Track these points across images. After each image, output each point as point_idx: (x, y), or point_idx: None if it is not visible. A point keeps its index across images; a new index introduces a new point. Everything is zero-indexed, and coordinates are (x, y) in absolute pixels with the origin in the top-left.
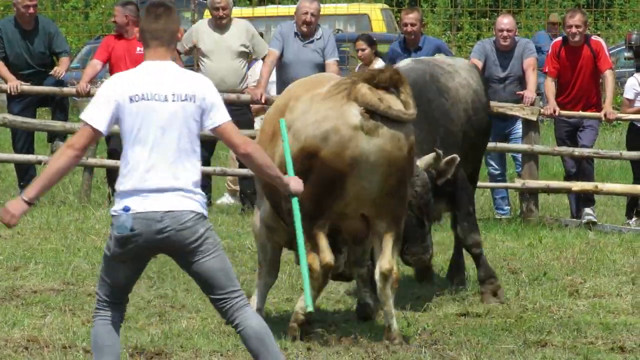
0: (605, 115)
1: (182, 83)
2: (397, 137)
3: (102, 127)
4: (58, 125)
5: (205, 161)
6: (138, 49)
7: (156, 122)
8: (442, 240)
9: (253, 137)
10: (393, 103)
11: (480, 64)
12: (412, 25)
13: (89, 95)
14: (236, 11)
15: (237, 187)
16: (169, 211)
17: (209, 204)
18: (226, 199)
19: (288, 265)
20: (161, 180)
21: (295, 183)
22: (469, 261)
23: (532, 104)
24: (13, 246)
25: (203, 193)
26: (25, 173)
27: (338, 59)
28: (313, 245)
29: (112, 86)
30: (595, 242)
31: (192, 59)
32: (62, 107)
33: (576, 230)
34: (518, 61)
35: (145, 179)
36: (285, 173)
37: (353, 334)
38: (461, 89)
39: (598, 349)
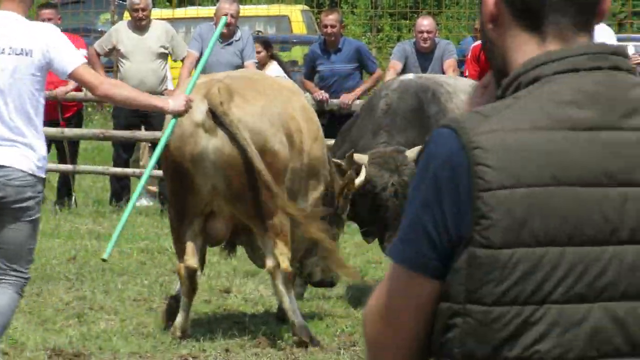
0: None
1: (21, 36)
2: (238, 140)
3: None
4: None
5: (125, 163)
6: None
7: None
8: None
9: None
10: (236, 110)
11: (400, 66)
12: (332, 26)
13: None
14: (156, 12)
15: (156, 189)
16: (2, 166)
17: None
18: (145, 201)
19: (207, 268)
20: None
21: (174, 103)
22: None
23: None
24: None
25: (44, 155)
26: None
27: (257, 60)
28: (181, 249)
29: None
30: None
31: (111, 61)
32: None
33: None
34: (438, 62)
35: None
36: None
37: (272, 335)
38: (457, 111)
39: None
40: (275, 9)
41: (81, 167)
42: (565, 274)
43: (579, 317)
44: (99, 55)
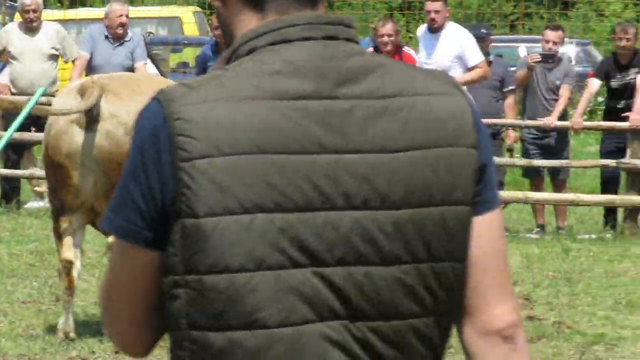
0: None
1: None
2: (113, 137)
3: None
4: None
5: (15, 164)
6: None
7: None
8: None
9: None
10: (109, 107)
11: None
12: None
13: None
14: (47, 14)
15: (45, 189)
16: None
17: (18, 207)
18: (35, 203)
19: (97, 269)
20: None
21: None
22: None
23: None
24: None
25: None
26: None
27: (147, 62)
28: (59, 243)
29: None
30: None
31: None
32: None
33: None
34: None
35: None
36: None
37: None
38: None
39: None
40: (167, 11)
41: None
42: (275, 240)
43: (296, 283)
44: None
